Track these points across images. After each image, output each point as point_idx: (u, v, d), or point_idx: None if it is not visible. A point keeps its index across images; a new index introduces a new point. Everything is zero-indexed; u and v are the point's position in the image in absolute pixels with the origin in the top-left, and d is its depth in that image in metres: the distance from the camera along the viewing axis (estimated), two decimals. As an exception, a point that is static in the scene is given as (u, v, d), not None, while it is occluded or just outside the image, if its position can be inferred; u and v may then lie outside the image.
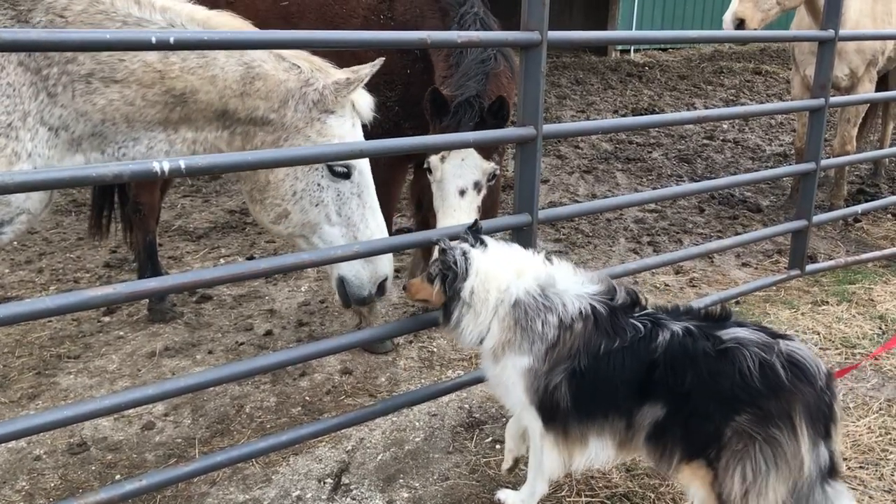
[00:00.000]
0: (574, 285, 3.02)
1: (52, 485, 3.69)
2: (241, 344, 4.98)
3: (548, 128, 3.60)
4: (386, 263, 3.57)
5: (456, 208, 3.96)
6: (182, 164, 2.54)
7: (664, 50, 17.87)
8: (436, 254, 3.07)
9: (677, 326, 2.83)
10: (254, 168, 2.96)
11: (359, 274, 3.53)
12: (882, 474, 3.60)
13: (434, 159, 3.97)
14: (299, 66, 3.28)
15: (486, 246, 3.05)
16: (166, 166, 2.52)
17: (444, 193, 4.01)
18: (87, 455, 3.90)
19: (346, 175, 3.37)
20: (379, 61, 3.34)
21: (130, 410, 4.18)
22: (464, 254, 2.98)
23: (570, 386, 2.88)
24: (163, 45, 2.47)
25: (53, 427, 2.81)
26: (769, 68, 15.85)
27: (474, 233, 3.11)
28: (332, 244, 3.39)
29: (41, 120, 2.90)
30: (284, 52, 3.29)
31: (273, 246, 6.69)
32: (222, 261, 6.35)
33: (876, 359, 4.64)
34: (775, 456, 2.61)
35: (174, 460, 3.85)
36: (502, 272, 2.99)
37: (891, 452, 3.76)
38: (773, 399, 2.63)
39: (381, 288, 3.61)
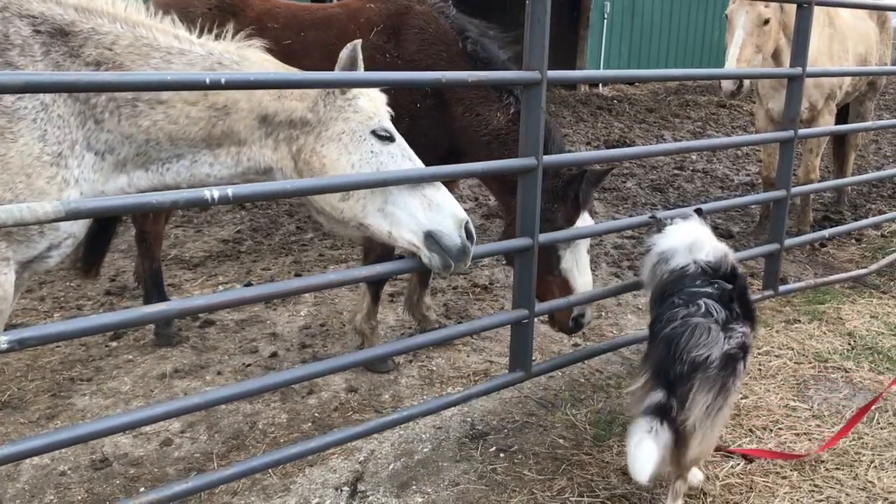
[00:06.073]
0: None
1: (80, 498, 3.87)
2: (248, 365, 5.21)
3: (548, 158, 3.92)
4: (458, 209, 3.47)
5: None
6: (230, 192, 2.80)
7: (631, 84, 18.43)
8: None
9: None
10: (291, 196, 3.21)
11: (443, 223, 3.41)
12: (856, 474, 3.92)
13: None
14: None
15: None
16: (216, 194, 2.78)
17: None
18: (110, 470, 4.08)
19: (391, 139, 3.44)
20: (356, 43, 3.42)
21: (147, 428, 4.40)
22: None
23: None
24: (216, 86, 2.75)
25: (92, 438, 3.02)
26: (733, 101, 16.42)
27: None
28: (407, 207, 3.39)
29: (87, 146, 3.09)
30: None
31: (269, 273, 6.93)
32: (221, 287, 6.57)
33: (846, 371, 5.00)
34: None
35: (194, 473, 4.06)
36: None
37: (863, 455, 4.08)
38: None
39: (469, 233, 3.45)
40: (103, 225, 5.39)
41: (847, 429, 4.17)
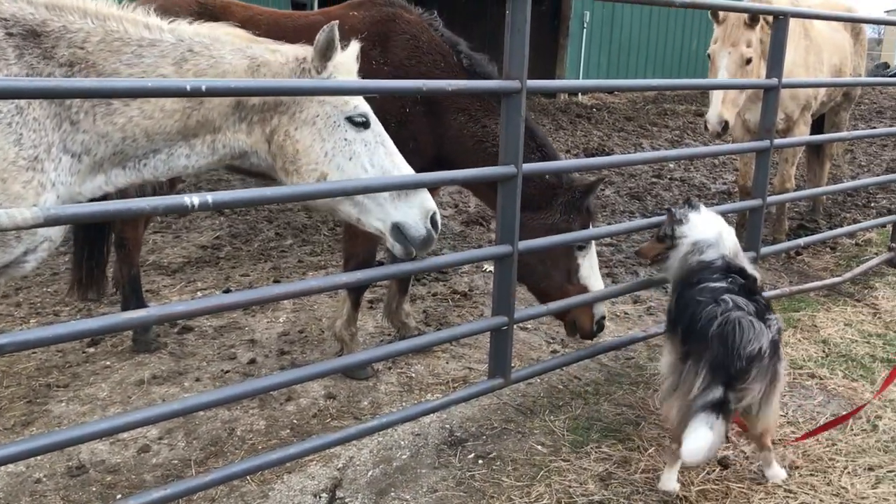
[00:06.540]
0: None
1: (56, 505, 3.86)
2: (227, 372, 5.19)
3: (527, 166, 3.95)
4: (427, 199, 3.58)
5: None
6: (210, 199, 2.80)
7: (610, 92, 18.56)
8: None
9: None
10: (272, 203, 3.22)
11: (410, 214, 3.52)
12: (830, 480, 3.97)
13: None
14: (293, 54, 3.51)
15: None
16: (196, 201, 2.78)
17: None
18: (86, 477, 4.06)
19: (367, 124, 3.46)
20: (333, 24, 3.40)
21: (125, 435, 4.38)
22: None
23: None
24: (196, 93, 2.75)
25: (69, 445, 2.99)
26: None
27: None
28: (377, 198, 3.45)
29: (64, 148, 3.06)
30: (280, 48, 3.53)
31: (248, 279, 6.91)
32: (199, 294, 6.56)
33: (821, 378, 5.06)
34: None
35: (172, 480, 4.04)
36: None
37: (837, 461, 4.13)
38: None
39: (434, 223, 3.59)
40: (93, 238, 5.37)
41: (849, 415, 4.42)
